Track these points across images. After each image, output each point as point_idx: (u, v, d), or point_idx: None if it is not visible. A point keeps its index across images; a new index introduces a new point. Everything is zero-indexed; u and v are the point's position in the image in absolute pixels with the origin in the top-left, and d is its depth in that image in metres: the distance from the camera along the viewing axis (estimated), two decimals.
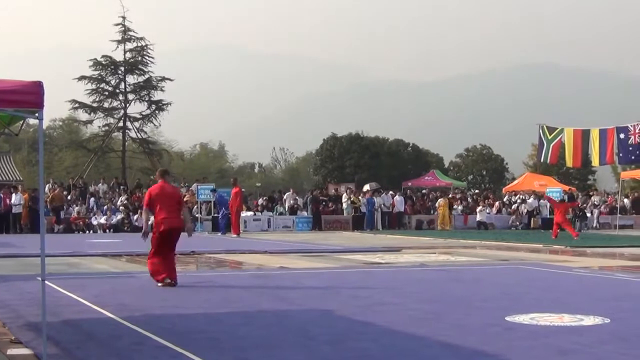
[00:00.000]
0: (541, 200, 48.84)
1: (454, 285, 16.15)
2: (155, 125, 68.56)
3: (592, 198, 54.65)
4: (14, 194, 41.08)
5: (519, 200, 51.18)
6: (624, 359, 8.54)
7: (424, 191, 58.11)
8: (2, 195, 41.02)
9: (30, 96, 8.17)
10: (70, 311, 11.95)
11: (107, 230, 41.36)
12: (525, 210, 49.22)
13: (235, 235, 36.34)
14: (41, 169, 9.04)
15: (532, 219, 48.47)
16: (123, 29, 65.92)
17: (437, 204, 48.07)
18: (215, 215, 42.87)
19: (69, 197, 44.11)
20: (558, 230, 35.50)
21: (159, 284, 15.07)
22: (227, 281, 16.07)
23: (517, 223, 48.28)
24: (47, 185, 43.04)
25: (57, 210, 41.64)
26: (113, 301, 13.03)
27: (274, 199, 48.96)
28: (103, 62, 66.24)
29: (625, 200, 54.24)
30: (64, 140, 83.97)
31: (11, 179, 61.35)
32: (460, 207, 49.74)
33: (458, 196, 53.25)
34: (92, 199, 44.16)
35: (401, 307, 12.57)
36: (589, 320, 10.93)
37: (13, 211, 40.56)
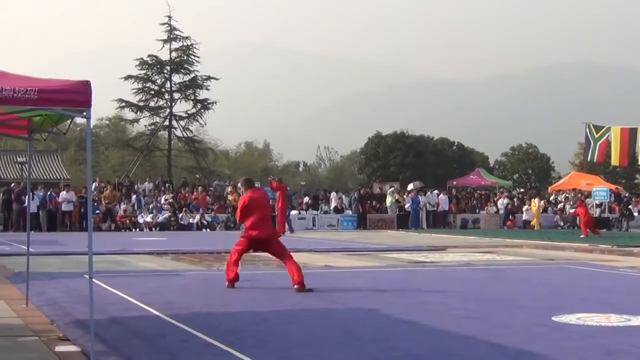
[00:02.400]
0: (587, 199, 48.54)
1: (499, 285, 16.08)
2: (200, 124, 68.83)
3: None
4: (63, 192, 41.54)
5: (564, 200, 50.80)
6: None
7: (469, 190, 57.92)
8: (53, 194, 41.55)
9: (78, 95, 8.23)
10: (116, 309, 12.05)
11: (153, 229, 41.65)
12: (572, 210, 48.82)
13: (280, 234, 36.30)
14: (89, 168, 9.10)
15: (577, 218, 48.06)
16: (169, 28, 66.26)
17: (531, 203, 47.87)
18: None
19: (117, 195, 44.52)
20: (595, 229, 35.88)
21: (226, 283, 14.86)
22: (272, 280, 16.12)
23: (562, 223, 47.88)
24: (94, 184, 43.44)
25: (110, 209, 42.07)
26: (159, 299, 13.11)
27: (319, 197, 49.01)
28: (149, 62, 66.59)
29: None
30: (110, 139, 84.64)
31: (59, 177, 62.06)
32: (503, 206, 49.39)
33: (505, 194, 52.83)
34: (134, 196, 44.51)
35: (446, 306, 12.53)
36: (637, 321, 10.83)
37: (63, 209, 41.02)
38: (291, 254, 14.95)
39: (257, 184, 16.13)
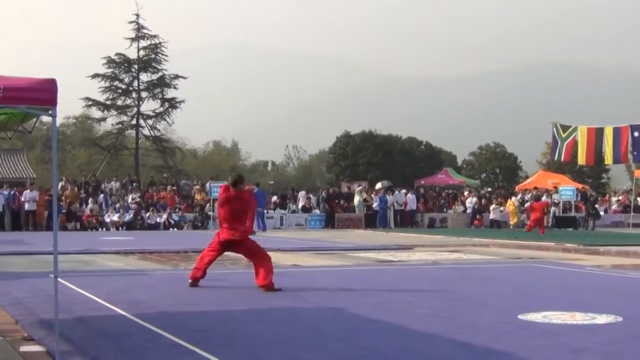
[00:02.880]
0: (554, 196, 48.93)
1: (466, 284, 16.14)
2: (168, 123, 68.53)
3: (610, 197, 54.93)
4: (26, 191, 41.26)
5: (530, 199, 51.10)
6: (637, 358, 8.53)
7: (437, 189, 58.12)
8: (16, 194, 41.24)
9: (43, 93, 8.17)
10: (82, 308, 11.98)
11: (120, 228, 41.49)
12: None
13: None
14: (54, 167, 9.04)
15: (544, 217, 48.24)
16: (137, 26, 65.93)
17: (508, 203, 48.06)
18: None
19: (82, 195, 44.25)
20: (533, 226, 37.46)
21: (189, 281, 14.80)
22: (239, 279, 16.09)
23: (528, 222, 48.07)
24: (60, 183, 43.17)
25: (71, 209, 41.86)
26: (125, 299, 13.05)
27: (287, 196, 48.98)
28: (117, 60, 66.23)
29: (639, 198, 54.03)
30: (77, 138, 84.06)
31: (24, 176, 61.62)
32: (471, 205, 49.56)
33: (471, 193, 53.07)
34: (101, 196, 44.33)
35: (413, 305, 12.57)
36: (602, 319, 10.90)
37: (26, 208, 40.72)
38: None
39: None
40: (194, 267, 14.99)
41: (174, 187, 48.03)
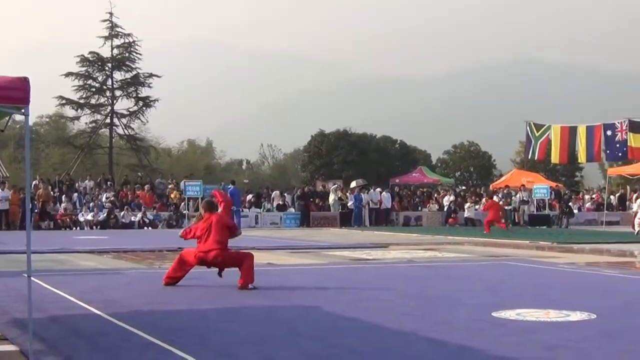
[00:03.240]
0: (521, 194, 49.12)
1: (441, 282, 16.18)
2: (142, 121, 68.20)
3: (583, 195, 55.22)
4: None
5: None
6: (610, 355, 8.56)
7: (412, 187, 58.25)
8: None
9: (16, 92, 8.12)
10: (56, 308, 11.91)
11: (94, 227, 41.31)
12: (511, 207, 49.22)
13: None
14: (28, 166, 8.99)
15: (515, 214, 48.42)
16: (110, 25, 65.56)
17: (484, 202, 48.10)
18: None
19: (55, 194, 43.99)
20: (489, 227, 37.79)
21: (164, 281, 14.81)
22: (214, 278, 16.06)
23: (503, 220, 48.16)
24: (33, 182, 42.91)
25: (45, 207, 41.60)
26: (100, 298, 12.99)
27: (262, 195, 48.91)
28: (90, 59, 65.87)
29: (612, 196, 54.40)
30: (50, 137, 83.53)
31: None
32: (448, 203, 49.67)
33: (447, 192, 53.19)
34: (75, 195, 44.09)
35: (388, 303, 12.59)
36: (575, 316, 10.96)
37: None
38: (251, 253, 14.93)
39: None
40: (170, 272, 14.96)
41: (149, 188, 47.85)
